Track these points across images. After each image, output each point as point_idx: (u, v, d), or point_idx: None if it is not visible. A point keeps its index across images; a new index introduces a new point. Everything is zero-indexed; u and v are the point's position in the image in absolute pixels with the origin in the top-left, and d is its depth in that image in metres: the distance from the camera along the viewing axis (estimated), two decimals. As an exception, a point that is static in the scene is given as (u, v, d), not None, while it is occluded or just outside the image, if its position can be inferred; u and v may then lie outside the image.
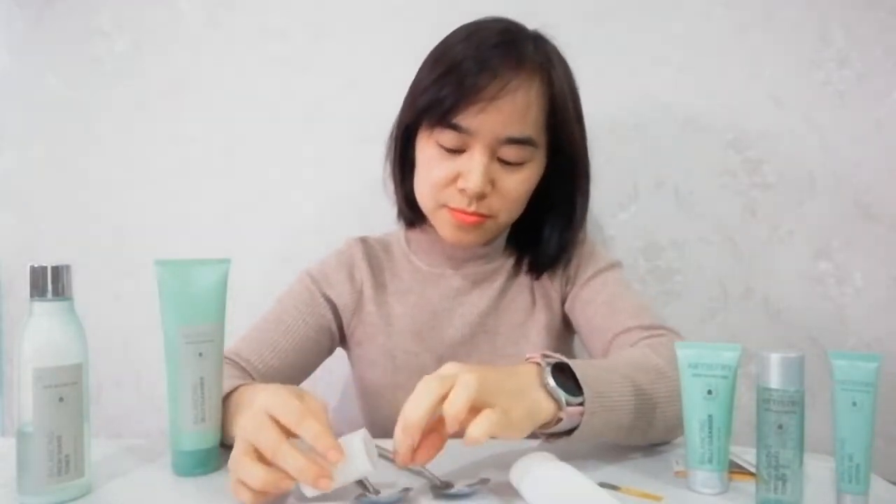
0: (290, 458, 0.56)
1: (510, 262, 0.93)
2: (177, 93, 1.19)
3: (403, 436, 0.57)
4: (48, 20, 1.19)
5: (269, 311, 0.92)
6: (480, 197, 0.81)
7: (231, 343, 0.86)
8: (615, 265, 0.91)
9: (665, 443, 0.76)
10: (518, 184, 0.83)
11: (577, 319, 0.90)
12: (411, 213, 0.92)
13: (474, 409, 0.57)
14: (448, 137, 0.80)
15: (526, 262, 0.93)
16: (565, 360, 0.65)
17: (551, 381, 0.62)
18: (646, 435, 0.71)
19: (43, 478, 0.58)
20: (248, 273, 1.15)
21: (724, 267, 1.15)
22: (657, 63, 1.14)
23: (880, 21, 1.11)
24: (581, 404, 0.63)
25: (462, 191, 0.81)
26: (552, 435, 0.65)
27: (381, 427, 0.90)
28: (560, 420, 0.62)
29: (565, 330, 0.93)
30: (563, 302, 0.92)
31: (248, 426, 0.58)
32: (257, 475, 0.56)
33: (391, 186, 0.92)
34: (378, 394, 0.90)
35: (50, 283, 0.60)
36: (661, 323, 0.82)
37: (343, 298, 0.92)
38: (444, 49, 0.83)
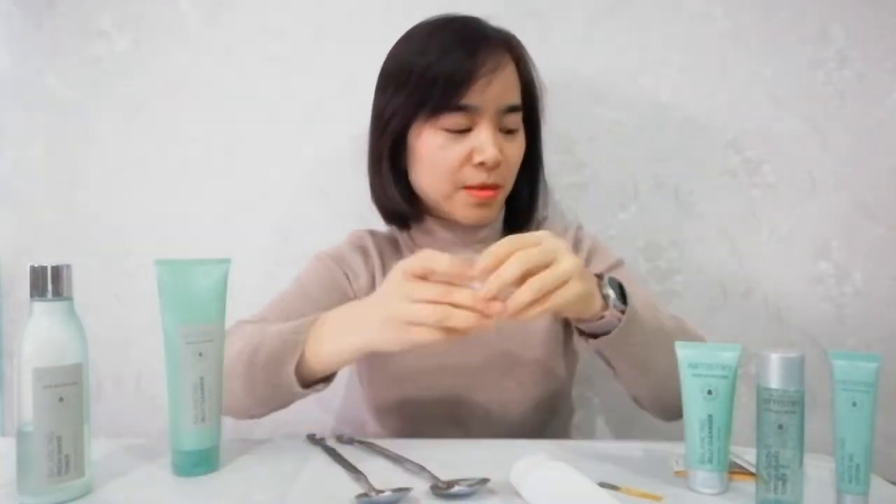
0: (456, 293, 0.63)
1: None
2: (177, 93, 1.19)
3: (487, 285, 0.62)
4: (48, 20, 1.19)
5: (290, 289, 0.92)
6: (496, 167, 0.86)
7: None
8: (622, 262, 0.95)
9: (667, 403, 0.78)
10: (517, 149, 0.90)
11: None
12: (410, 210, 0.93)
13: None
14: (455, 120, 0.85)
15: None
16: (618, 279, 0.73)
17: (607, 285, 0.71)
18: (658, 378, 0.76)
19: (43, 478, 0.58)
20: (248, 273, 1.15)
21: (724, 267, 1.15)
22: (657, 63, 1.14)
23: (880, 21, 1.11)
24: (623, 312, 0.71)
25: (480, 165, 0.85)
26: (588, 335, 0.74)
27: (388, 413, 0.91)
28: (602, 318, 0.70)
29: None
30: None
31: (395, 291, 0.65)
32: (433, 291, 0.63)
33: (381, 192, 0.93)
34: (385, 379, 0.91)
35: (50, 283, 0.60)
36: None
37: (360, 279, 0.94)
38: (405, 57, 0.87)
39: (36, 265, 0.60)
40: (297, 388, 0.73)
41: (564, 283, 0.63)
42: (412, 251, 0.95)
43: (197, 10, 1.18)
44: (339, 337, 0.71)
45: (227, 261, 0.71)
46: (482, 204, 0.88)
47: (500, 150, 0.86)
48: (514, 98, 0.88)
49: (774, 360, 0.59)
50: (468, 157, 0.86)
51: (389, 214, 0.96)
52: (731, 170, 1.14)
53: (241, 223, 1.19)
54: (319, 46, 1.17)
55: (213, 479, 0.67)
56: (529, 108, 0.93)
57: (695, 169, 1.15)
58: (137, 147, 1.20)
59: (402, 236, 0.98)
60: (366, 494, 0.60)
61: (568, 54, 1.14)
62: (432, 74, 0.84)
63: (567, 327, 0.94)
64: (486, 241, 0.93)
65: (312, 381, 0.75)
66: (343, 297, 0.92)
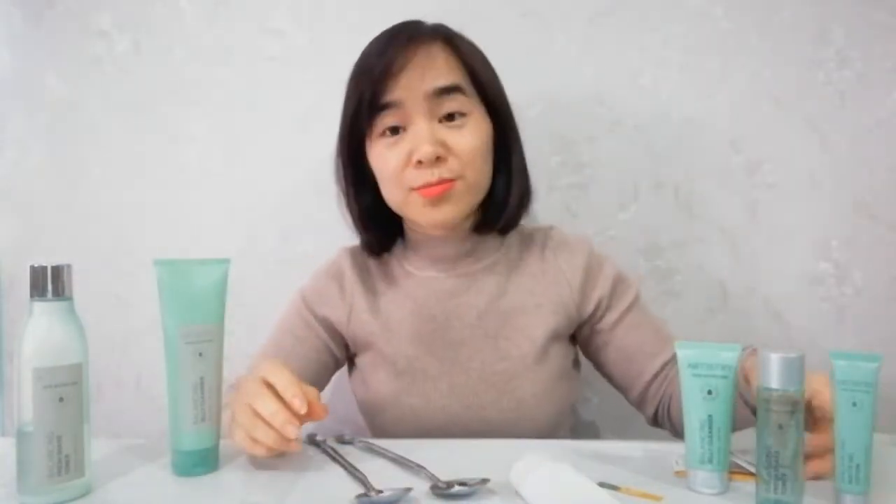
0: (266, 403, 0.65)
1: (504, 260, 0.92)
2: (177, 93, 1.19)
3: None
4: (48, 20, 1.19)
5: (270, 337, 0.94)
6: (437, 161, 0.81)
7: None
8: (639, 292, 0.94)
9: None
10: (468, 136, 0.82)
11: (622, 340, 0.90)
12: (386, 239, 0.92)
13: None
14: (384, 120, 0.82)
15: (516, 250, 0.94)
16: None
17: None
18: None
19: (43, 478, 0.58)
20: (248, 273, 1.16)
21: (724, 267, 1.15)
22: (657, 63, 1.14)
23: (880, 21, 1.11)
24: None
25: (419, 164, 0.80)
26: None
27: (386, 433, 0.90)
28: None
29: (572, 339, 0.93)
30: (589, 317, 0.91)
31: (242, 388, 0.69)
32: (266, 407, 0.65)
33: (354, 216, 0.91)
34: (381, 400, 0.89)
35: (50, 283, 0.60)
36: None
37: (336, 313, 0.92)
38: (352, 69, 0.87)
39: (36, 265, 0.60)
40: None
41: None
42: (400, 263, 0.93)
43: (197, 10, 1.18)
44: (232, 432, 0.70)
45: (226, 261, 0.71)
46: (433, 202, 0.82)
47: (444, 142, 0.81)
48: (444, 79, 0.82)
49: (774, 360, 0.59)
50: (408, 158, 0.81)
51: (364, 245, 0.94)
52: (731, 170, 1.14)
53: (241, 223, 1.19)
54: (319, 46, 1.17)
55: (213, 479, 0.67)
56: (480, 89, 0.85)
57: (695, 169, 1.15)
58: (137, 147, 1.20)
59: (393, 254, 0.95)
60: (366, 494, 0.60)
61: (568, 54, 1.14)
62: (357, 82, 0.83)
63: (573, 336, 0.93)
64: (474, 256, 0.91)
65: None
66: (317, 343, 0.92)
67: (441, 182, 0.81)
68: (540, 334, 0.88)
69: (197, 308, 0.68)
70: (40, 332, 0.60)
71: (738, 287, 1.15)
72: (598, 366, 0.95)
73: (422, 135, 0.80)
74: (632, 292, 0.92)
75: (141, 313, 1.18)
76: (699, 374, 0.63)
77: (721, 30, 1.13)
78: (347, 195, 0.91)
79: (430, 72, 0.81)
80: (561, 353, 0.90)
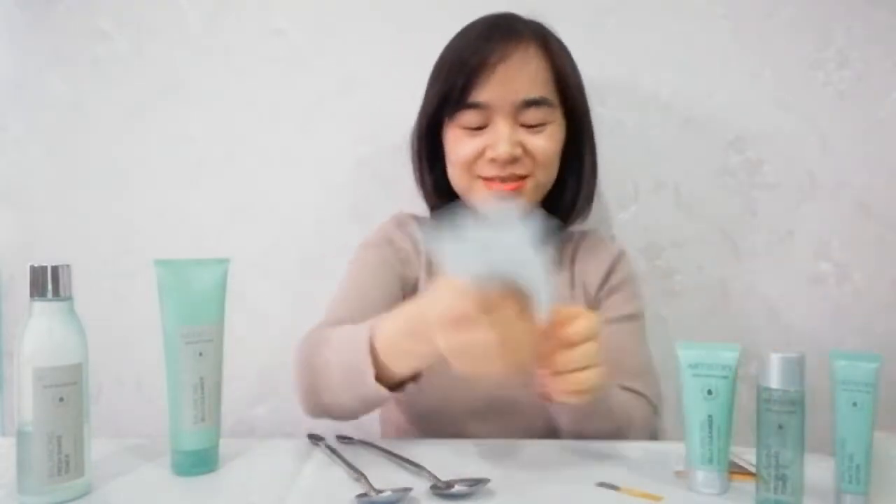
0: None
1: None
2: (177, 93, 1.19)
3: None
4: (48, 20, 1.19)
5: (348, 287, 0.90)
6: (512, 161, 0.84)
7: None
8: (641, 315, 0.93)
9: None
10: (545, 141, 0.86)
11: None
12: (439, 201, 0.94)
13: None
14: (469, 117, 0.85)
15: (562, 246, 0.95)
16: None
17: None
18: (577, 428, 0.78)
19: (43, 478, 0.59)
20: (247, 273, 1.16)
21: (724, 267, 1.15)
22: (657, 63, 1.14)
23: (880, 21, 1.11)
24: None
25: (493, 160, 0.84)
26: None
27: (417, 416, 0.89)
28: None
29: None
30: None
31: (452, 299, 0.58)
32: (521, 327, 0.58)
33: (418, 178, 0.95)
34: (399, 414, 0.89)
35: (50, 282, 0.60)
36: (651, 392, 0.86)
37: (412, 263, 0.93)
38: (445, 49, 0.89)
39: (36, 265, 0.60)
40: (385, 393, 0.69)
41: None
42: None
43: (197, 11, 1.18)
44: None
45: (226, 261, 0.71)
46: (501, 196, 0.85)
47: (523, 145, 0.84)
48: (534, 91, 0.85)
49: (774, 360, 0.59)
50: (481, 153, 0.85)
51: (426, 197, 0.96)
52: (731, 170, 1.14)
53: (241, 223, 1.19)
54: (319, 46, 1.17)
55: (213, 479, 0.67)
56: (564, 97, 0.89)
57: (695, 169, 1.15)
58: (137, 147, 1.20)
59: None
60: (366, 494, 0.60)
61: (568, 54, 1.14)
62: (446, 73, 0.85)
63: None
64: None
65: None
66: (404, 283, 0.92)
67: (514, 179, 0.85)
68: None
69: (197, 308, 0.68)
70: (40, 332, 0.60)
71: (738, 287, 1.15)
72: None
73: (501, 136, 0.83)
74: (628, 308, 0.91)
75: (141, 313, 1.18)
76: (699, 374, 0.64)
77: (721, 30, 1.13)
78: (420, 170, 0.94)
79: (521, 80, 0.84)
80: None
